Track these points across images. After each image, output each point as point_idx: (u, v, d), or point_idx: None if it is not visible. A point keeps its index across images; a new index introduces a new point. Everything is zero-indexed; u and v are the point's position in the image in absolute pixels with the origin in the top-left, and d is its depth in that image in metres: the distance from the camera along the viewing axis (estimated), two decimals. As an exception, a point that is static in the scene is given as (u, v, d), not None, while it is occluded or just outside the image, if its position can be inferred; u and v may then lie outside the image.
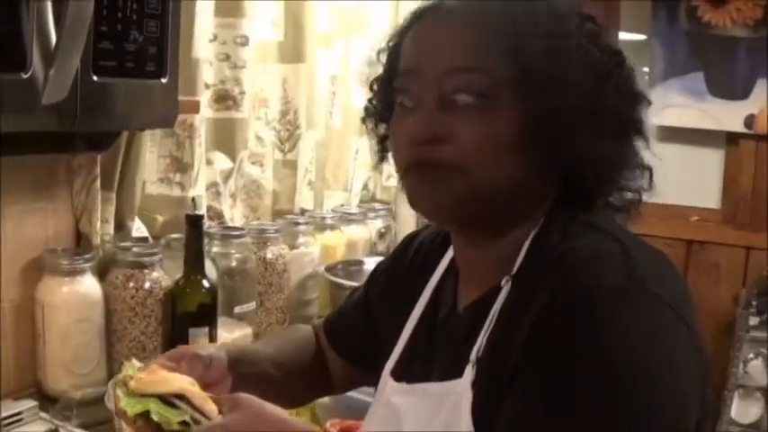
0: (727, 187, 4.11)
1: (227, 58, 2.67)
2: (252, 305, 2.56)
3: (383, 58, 1.33)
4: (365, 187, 3.50)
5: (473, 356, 1.20)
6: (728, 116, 3.95)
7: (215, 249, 2.53)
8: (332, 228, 3.09)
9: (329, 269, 2.83)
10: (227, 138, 2.73)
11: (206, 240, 2.41)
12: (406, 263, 1.52)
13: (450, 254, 1.40)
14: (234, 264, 2.54)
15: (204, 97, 2.60)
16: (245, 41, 2.69)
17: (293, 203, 3.02)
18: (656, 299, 1.10)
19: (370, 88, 1.39)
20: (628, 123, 1.21)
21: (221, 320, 2.40)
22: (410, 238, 1.58)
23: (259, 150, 2.87)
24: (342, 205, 3.32)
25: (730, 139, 4.04)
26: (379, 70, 1.35)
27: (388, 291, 1.54)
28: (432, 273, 1.42)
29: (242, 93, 2.71)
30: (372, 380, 1.49)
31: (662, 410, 1.06)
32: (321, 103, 3.11)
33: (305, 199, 3.08)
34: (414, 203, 1.26)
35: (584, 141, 1.17)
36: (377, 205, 3.49)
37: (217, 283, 2.38)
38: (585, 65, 1.17)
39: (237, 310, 2.52)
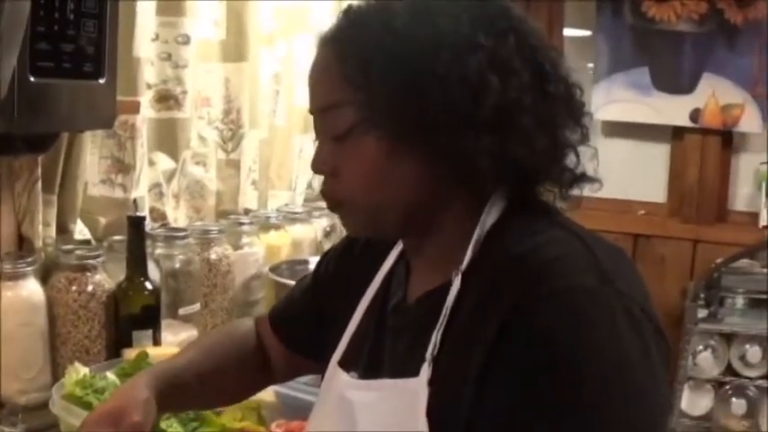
0: (674, 181, 4.18)
1: (169, 57, 2.69)
2: (196, 306, 2.57)
3: None
4: (310, 186, 3.49)
5: (429, 355, 1.21)
6: (674, 110, 4.02)
7: (158, 251, 2.53)
8: (276, 227, 3.09)
9: (274, 269, 2.84)
10: (169, 138, 2.74)
11: (149, 242, 2.42)
12: (356, 251, 1.54)
13: (400, 243, 1.43)
14: (178, 265, 2.55)
15: (146, 97, 2.61)
16: (186, 40, 2.70)
17: (237, 203, 3.03)
18: (628, 299, 1.13)
19: None
20: (495, 112, 1.18)
21: (166, 322, 2.42)
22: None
23: (202, 150, 2.88)
24: (286, 205, 3.32)
25: (676, 133, 4.13)
26: None
27: (338, 279, 1.57)
28: (382, 260, 1.45)
29: (184, 92, 2.73)
30: (317, 368, 1.52)
31: (643, 402, 1.10)
32: (264, 102, 3.12)
33: (249, 199, 3.08)
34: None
35: (448, 143, 1.19)
36: (322, 204, 3.38)
37: (160, 284, 2.40)
38: (407, 71, 1.19)
39: (182, 311, 2.53)
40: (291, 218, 3.20)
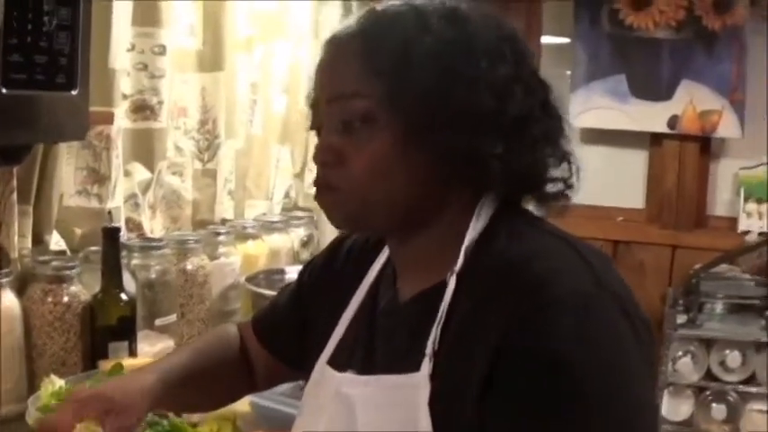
0: (652, 187, 4.23)
1: (145, 67, 2.70)
2: (173, 317, 2.59)
3: None
4: (287, 195, 3.52)
5: (429, 350, 1.25)
6: (652, 117, 4.06)
7: (134, 261, 2.54)
8: (253, 237, 3.10)
9: (250, 279, 2.85)
10: (145, 148, 2.75)
11: (125, 253, 2.44)
12: (340, 259, 1.59)
13: (385, 252, 1.48)
14: (154, 276, 2.56)
15: (122, 108, 2.62)
16: (162, 50, 2.72)
17: (214, 213, 3.04)
18: (624, 301, 1.20)
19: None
20: (513, 120, 1.27)
21: (143, 333, 2.43)
22: (343, 237, 1.65)
23: (178, 160, 2.89)
24: (264, 214, 3.33)
25: (654, 139, 4.17)
26: None
27: (322, 287, 1.61)
28: (368, 268, 1.50)
29: (160, 102, 2.74)
30: (295, 376, 1.60)
31: (647, 406, 1.19)
32: (241, 112, 3.14)
33: (225, 209, 3.10)
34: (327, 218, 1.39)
35: (458, 141, 1.26)
36: (299, 213, 3.51)
37: (136, 295, 2.41)
38: (444, 70, 1.26)
39: (159, 322, 2.54)
40: (269, 227, 3.22)
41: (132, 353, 2.32)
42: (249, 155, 3.25)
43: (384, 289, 1.46)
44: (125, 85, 2.64)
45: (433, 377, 1.24)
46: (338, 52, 1.34)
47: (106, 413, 1.40)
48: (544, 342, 1.14)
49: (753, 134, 4.37)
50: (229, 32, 2.98)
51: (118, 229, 2.34)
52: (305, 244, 3.39)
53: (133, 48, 2.66)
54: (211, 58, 2.95)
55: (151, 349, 2.41)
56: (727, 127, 4.27)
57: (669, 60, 4.12)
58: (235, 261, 2.92)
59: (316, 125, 1.40)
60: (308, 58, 3.48)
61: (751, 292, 3.64)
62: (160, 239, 2.68)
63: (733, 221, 4.48)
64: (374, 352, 1.41)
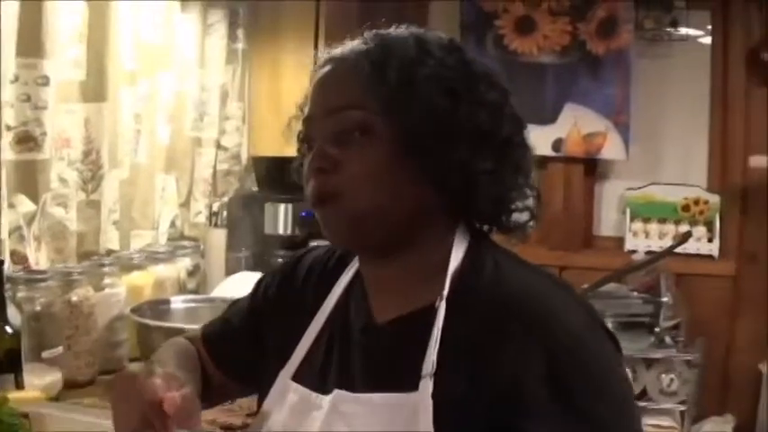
0: (539, 209, 4.39)
1: (29, 98, 2.75)
2: (60, 349, 2.63)
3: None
4: (173, 225, 3.59)
5: (428, 370, 1.34)
6: (537, 140, 4.18)
7: (20, 294, 2.60)
8: (138, 267, 3.15)
9: (135, 310, 2.89)
10: (29, 180, 2.80)
11: (9, 285, 2.49)
12: (300, 276, 1.67)
13: (351, 270, 1.59)
14: (39, 308, 2.61)
15: (5, 139, 2.68)
16: (46, 82, 2.78)
17: (98, 244, 3.09)
18: (607, 329, 1.41)
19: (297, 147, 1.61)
20: (503, 142, 1.43)
21: (30, 366, 2.48)
22: (300, 256, 1.74)
23: (63, 191, 2.93)
24: (149, 244, 3.38)
25: (540, 162, 4.32)
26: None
27: (279, 304, 1.69)
28: (329, 288, 1.59)
29: (44, 134, 2.79)
30: (250, 391, 1.69)
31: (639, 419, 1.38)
32: (125, 142, 3.20)
33: (110, 239, 3.14)
34: (325, 235, 1.49)
35: (453, 157, 1.39)
36: (185, 243, 3.58)
37: (21, 328, 2.46)
38: (446, 90, 1.40)
39: (45, 354, 2.59)
40: (154, 257, 3.27)
41: (19, 385, 2.36)
42: (134, 185, 3.31)
43: (354, 308, 1.54)
44: (8, 116, 2.70)
45: (432, 395, 1.34)
46: (342, 67, 1.46)
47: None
48: (591, 365, 1.32)
49: (638, 155, 4.63)
50: (114, 63, 3.06)
51: (2, 262, 2.40)
52: (191, 274, 3.48)
53: (17, 79, 2.72)
54: (95, 89, 3.01)
55: (39, 381, 2.46)
56: (611, 149, 4.49)
57: (553, 84, 4.31)
58: (120, 292, 2.96)
59: (307, 139, 1.50)
60: (194, 87, 3.62)
61: (639, 310, 3.88)
62: (45, 271, 2.73)
63: (620, 241, 4.72)
64: (350, 371, 1.48)
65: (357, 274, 1.58)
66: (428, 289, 1.42)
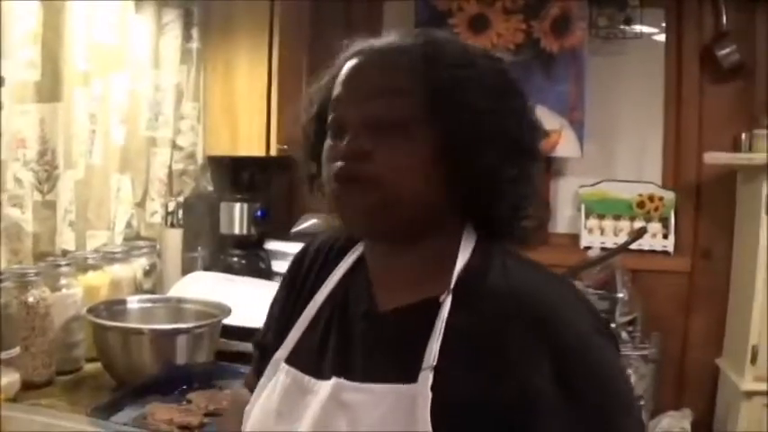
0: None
1: (-17, 99, 2.76)
2: (16, 350, 2.65)
3: (317, 97, 1.57)
4: (128, 225, 3.61)
5: (429, 363, 1.37)
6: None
7: (-25, 295, 2.60)
8: (95, 268, 3.16)
9: (91, 310, 2.88)
10: (-16, 181, 2.80)
11: (-34, 287, 2.51)
12: (301, 274, 1.71)
13: (351, 257, 1.63)
14: (-5, 309, 2.61)
15: (-40, 141, 2.68)
16: (0, 82, 2.79)
17: (54, 245, 3.10)
18: (609, 330, 1.47)
19: (303, 131, 1.60)
20: (526, 150, 1.49)
21: (-14, 367, 2.49)
22: (305, 248, 1.77)
23: (18, 192, 2.95)
24: (105, 244, 3.40)
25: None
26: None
27: (291, 289, 1.72)
28: (328, 273, 1.63)
29: (-2, 134, 2.80)
30: None
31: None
32: (80, 142, 3.22)
33: (66, 240, 3.15)
34: (338, 213, 1.50)
35: (486, 161, 1.43)
36: (141, 243, 3.59)
37: (-22, 329, 2.47)
38: (489, 95, 1.43)
39: (2, 355, 2.60)
40: (110, 258, 3.28)
41: (-24, 387, 2.38)
42: (89, 185, 3.33)
43: (355, 295, 1.57)
44: (-37, 118, 2.70)
45: (433, 386, 1.36)
46: (391, 54, 1.45)
47: None
48: (598, 364, 1.37)
49: (592, 152, 4.71)
50: (68, 64, 3.08)
51: (-42, 264, 2.43)
52: (147, 273, 3.50)
53: (-28, 80, 2.73)
54: (50, 89, 3.03)
55: (-4, 383, 2.48)
56: (566, 146, 4.57)
57: (508, 82, 4.36)
58: (76, 292, 2.96)
59: (339, 121, 1.47)
60: (148, 87, 3.66)
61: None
62: (0, 272, 2.73)
63: (575, 238, 4.81)
64: (349, 357, 1.50)
65: (358, 262, 1.62)
66: (434, 282, 1.45)
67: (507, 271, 1.44)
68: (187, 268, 3.77)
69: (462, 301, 1.42)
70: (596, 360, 1.37)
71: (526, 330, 1.35)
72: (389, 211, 1.43)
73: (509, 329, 1.36)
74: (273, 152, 3.96)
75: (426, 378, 1.37)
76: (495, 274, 1.44)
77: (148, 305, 3.15)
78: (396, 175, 1.41)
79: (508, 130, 1.44)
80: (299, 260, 1.76)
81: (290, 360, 1.57)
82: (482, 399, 1.34)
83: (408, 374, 1.38)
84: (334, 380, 1.47)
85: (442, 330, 1.40)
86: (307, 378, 1.52)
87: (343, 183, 1.44)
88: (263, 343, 1.75)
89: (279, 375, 1.56)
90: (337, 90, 1.49)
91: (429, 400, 1.35)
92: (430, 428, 1.34)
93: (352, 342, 1.52)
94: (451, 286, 1.43)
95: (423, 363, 1.38)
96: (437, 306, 1.42)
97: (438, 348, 1.38)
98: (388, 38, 1.50)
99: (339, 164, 1.43)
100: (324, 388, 1.47)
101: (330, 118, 1.49)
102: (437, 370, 1.37)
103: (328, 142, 1.49)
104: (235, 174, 4.10)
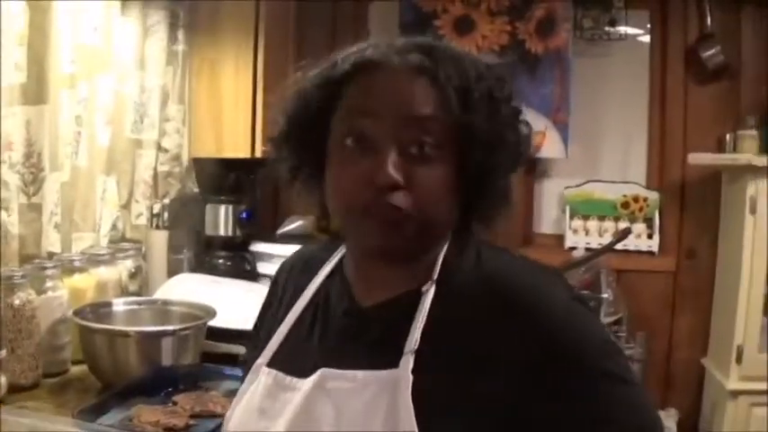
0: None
1: (-30, 102, 2.76)
2: (2, 353, 2.63)
3: (310, 95, 1.52)
4: (114, 227, 3.62)
5: (410, 347, 1.40)
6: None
7: (-39, 298, 2.60)
8: (80, 270, 3.16)
9: (77, 313, 2.89)
10: (-29, 184, 2.81)
11: (-49, 290, 2.51)
12: (278, 290, 1.75)
13: (329, 265, 1.66)
14: (-19, 312, 2.61)
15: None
16: None
17: (40, 247, 3.11)
18: (582, 298, 1.50)
19: (289, 120, 1.57)
20: (524, 160, 1.54)
21: (-27, 370, 2.49)
22: (278, 271, 1.81)
23: (4, 195, 2.94)
24: (91, 247, 3.41)
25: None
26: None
27: (273, 299, 1.76)
28: (309, 279, 1.66)
29: (-15, 138, 2.80)
30: None
31: None
32: (65, 144, 3.23)
33: (52, 242, 3.16)
34: (364, 243, 1.50)
35: (501, 181, 1.49)
36: (126, 245, 3.61)
37: (-37, 333, 2.47)
38: (503, 117, 1.47)
39: None
40: (96, 260, 3.28)
41: (-37, 390, 2.39)
42: (75, 187, 3.33)
43: (336, 296, 1.60)
44: (-51, 120, 2.70)
45: (415, 371, 1.39)
46: (415, 76, 1.43)
47: None
48: (584, 329, 1.42)
49: (577, 154, 4.73)
50: (54, 66, 3.08)
51: (-56, 267, 2.43)
52: (133, 276, 3.51)
53: (-42, 82, 2.73)
54: (36, 92, 3.03)
55: (-18, 385, 2.49)
56: (550, 147, 4.60)
57: (493, 84, 4.38)
58: (62, 295, 2.96)
59: (367, 138, 1.42)
60: (134, 89, 3.67)
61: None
62: None
63: (560, 238, 4.84)
64: (333, 352, 1.51)
65: (336, 266, 1.66)
66: (411, 275, 1.49)
67: (481, 260, 1.49)
68: (173, 270, 3.77)
69: (441, 289, 1.47)
70: (581, 324, 1.42)
71: (504, 314, 1.39)
72: (416, 239, 1.45)
73: (488, 314, 1.40)
74: (259, 154, 3.96)
75: (408, 362, 1.40)
76: (470, 263, 1.49)
77: (134, 307, 3.16)
78: (429, 206, 1.42)
79: (518, 149, 1.49)
80: (276, 279, 1.79)
81: (272, 364, 1.59)
82: (464, 384, 1.37)
83: (391, 361, 1.41)
84: (320, 370, 1.48)
85: (424, 317, 1.43)
86: (289, 378, 1.54)
87: (374, 212, 1.41)
88: (250, 360, 1.72)
89: (260, 377, 1.58)
90: (360, 100, 1.46)
91: (410, 383, 1.38)
92: (412, 411, 1.36)
93: (335, 338, 1.55)
94: (435, 276, 1.47)
95: (404, 348, 1.41)
96: (417, 297, 1.46)
97: (419, 335, 1.42)
98: (396, 43, 1.47)
99: (370, 194, 1.40)
100: (307, 384, 1.49)
101: (348, 127, 1.45)
102: (419, 357, 1.40)
103: (344, 158, 1.46)
104: (220, 175, 4.11)
